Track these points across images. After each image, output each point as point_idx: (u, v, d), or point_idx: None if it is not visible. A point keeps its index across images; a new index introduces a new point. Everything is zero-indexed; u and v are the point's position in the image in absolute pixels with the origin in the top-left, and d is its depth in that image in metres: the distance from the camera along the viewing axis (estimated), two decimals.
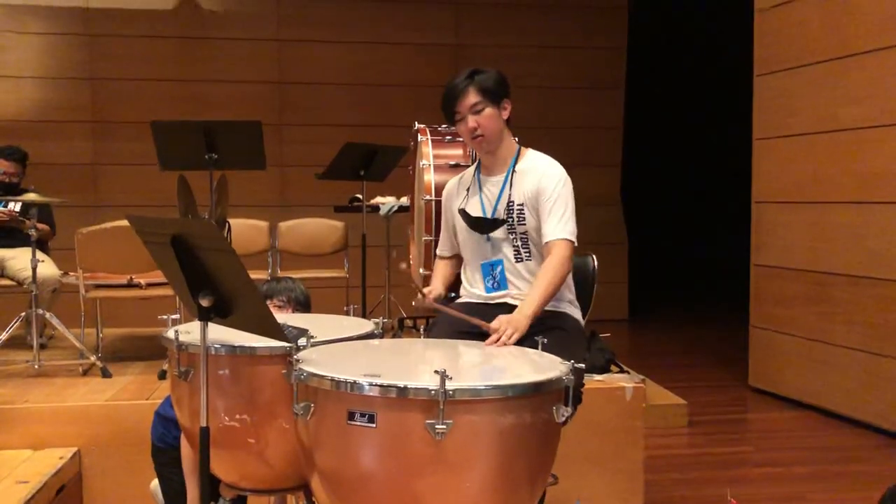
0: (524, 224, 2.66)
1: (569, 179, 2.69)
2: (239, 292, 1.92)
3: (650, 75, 10.18)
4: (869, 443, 4.30)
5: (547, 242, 2.60)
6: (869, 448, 4.23)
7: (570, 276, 2.77)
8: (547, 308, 2.61)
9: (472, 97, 2.63)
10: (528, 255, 2.68)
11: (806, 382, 4.93)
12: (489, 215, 2.70)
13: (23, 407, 3.54)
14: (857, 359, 4.57)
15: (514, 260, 2.69)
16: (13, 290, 4.88)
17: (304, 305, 2.92)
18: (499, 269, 2.70)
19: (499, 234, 2.69)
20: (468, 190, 2.78)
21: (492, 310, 2.63)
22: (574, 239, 2.61)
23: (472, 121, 2.64)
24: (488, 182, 2.75)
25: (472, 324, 2.42)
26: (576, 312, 2.75)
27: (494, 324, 2.37)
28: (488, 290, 2.73)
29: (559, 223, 2.60)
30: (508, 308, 2.62)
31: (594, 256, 2.97)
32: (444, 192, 2.92)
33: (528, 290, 2.60)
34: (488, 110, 2.64)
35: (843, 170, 4.66)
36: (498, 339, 2.30)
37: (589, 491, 3.40)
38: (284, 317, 2.53)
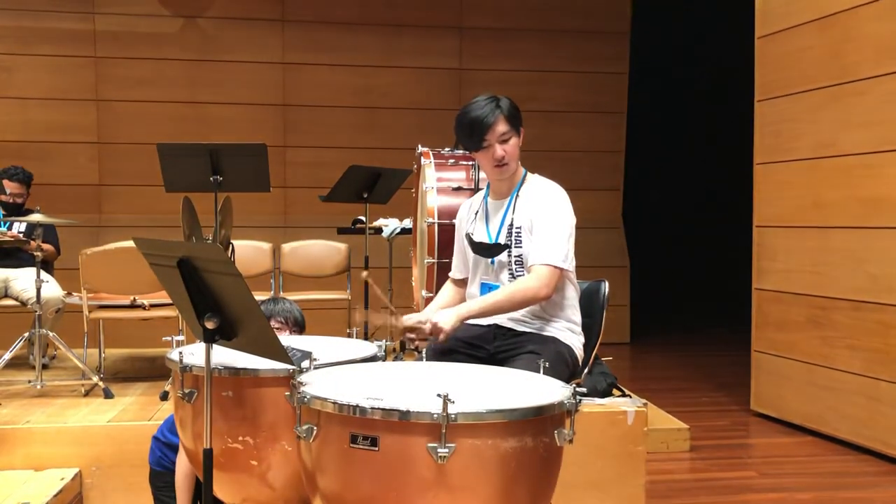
0: (520, 247, 2.69)
1: (567, 204, 2.70)
2: (244, 315, 1.93)
3: (652, 100, 10.25)
4: (871, 469, 4.28)
5: (530, 266, 2.62)
6: (871, 474, 4.21)
7: (576, 300, 2.78)
8: (532, 330, 2.64)
9: (502, 126, 2.64)
10: (520, 277, 2.70)
11: (808, 407, 4.92)
12: (493, 239, 2.73)
13: (24, 427, 3.55)
14: (859, 384, 4.56)
15: (508, 282, 2.71)
16: (17, 309, 4.89)
17: (300, 326, 2.95)
18: None
19: (502, 258, 2.72)
20: (476, 214, 2.83)
21: (483, 329, 2.67)
22: (560, 265, 2.59)
23: (499, 150, 2.66)
24: (494, 206, 2.80)
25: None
26: (570, 337, 2.74)
27: (423, 318, 2.51)
28: None
29: (544, 248, 2.60)
30: (498, 329, 2.70)
31: (606, 282, 2.97)
32: (458, 216, 2.96)
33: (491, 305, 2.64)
34: (514, 139, 2.68)
35: (845, 195, 4.69)
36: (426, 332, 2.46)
37: None
38: (288, 339, 2.55)
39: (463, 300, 2.92)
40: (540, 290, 2.57)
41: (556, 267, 2.59)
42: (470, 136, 2.68)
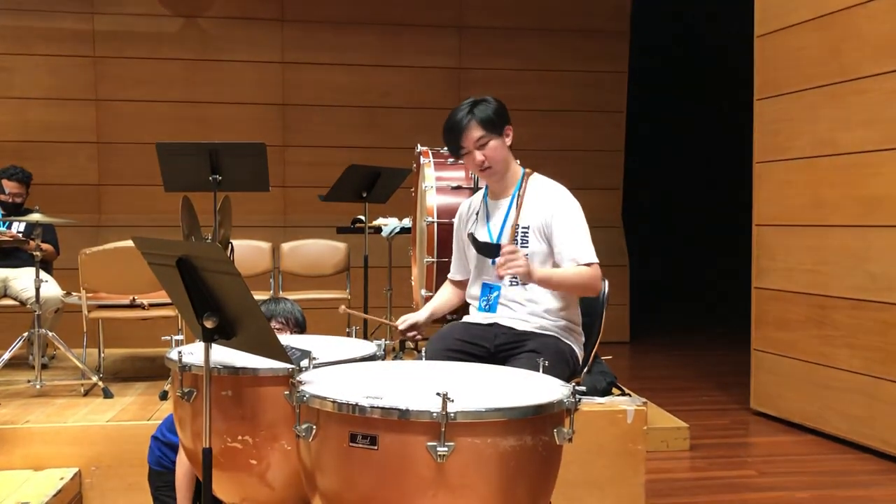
0: (526, 247, 2.68)
1: (577, 202, 2.73)
2: (243, 314, 1.93)
3: (651, 99, 10.24)
4: (871, 468, 4.28)
5: (579, 265, 2.65)
6: (871, 473, 4.21)
7: (576, 299, 2.80)
8: (532, 329, 2.64)
9: (476, 131, 2.64)
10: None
11: (807, 406, 4.92)
12: (495, 240, 2.73)
13: (24, 427, 3.54)
14: (859, 383, 4.56)
15: (508, 284, 2.71)
16: (16, 309, 4.89)
17: (301, 327, 2.95)
18: (495, 294, 2.73)
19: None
20: (477, 214, 2.82)
21: (484, 329, 2.67)
22: (597, 261, 2.68)
23: (479, 155, 2.66)
24: (495, 206, 2.79)
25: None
26: (571, 337, 2.75)
27: (508, 248, 2.47)
28: (480, 309, 2.77)
29: (583, 248, 2.65)
30: (499, 328, 2.68)
31: (606, 281, 2.97)
32: (456, 216, 2.96)
33: (528, 310, 2.65)
34: (493, 142, 2.66)
35: (844, 193, 4.69)
36: (504, 263, 2.44)
37: None
38: (287, 338, 2.55)
39: (461, 301, 2.92)
40: (595, 285, 2.67)
41: (597, 263, 2.66)
42: (449, 144, 2.72)
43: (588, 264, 2.64)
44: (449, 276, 3.01)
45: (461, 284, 2.94)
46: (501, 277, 2.55)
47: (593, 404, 3.57)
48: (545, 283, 2.60)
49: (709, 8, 9.65)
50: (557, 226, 2.65)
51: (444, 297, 2.96)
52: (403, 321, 2.70)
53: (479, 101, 2.69)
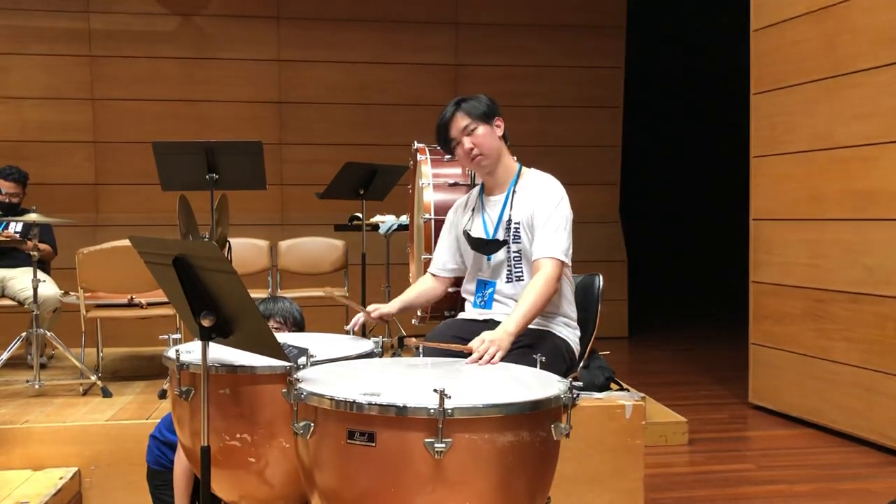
0: (519, 243, 2.68)
1: (565, 198, 2.70)
2: (240, 312, 1.93)
3: (649, 93, 10.25)
4: (870, 460, 4.30)
5: (536, 260, 2.60)
6: (870, 465, 4.22)
7: (571, 294, 2.79)
8: (532, 326, 2.64)
9: (462, 120, 2.68)
10: (519, 274, 2.70)
11: (806, 400, 4.94)
12: (490, 236, 2.73)
13: (23, 427, 3.54)
14: (857, 376, 4.57)
15: (505, 280, 2.71)
16: (14, 309, 4.89)
17: (299, 326, 2.95)
18: (490, 290, 2.72)
19: (499, 255, 2.71)
20: (473, 210, 2.82)
21: (479, 326, 2.67)
22: (565, 258, 2.60)
23: (467, 142, 2.67)
24: (490, 202, 2.78)
25: (452, 350, 2.42)
26: (566, 332, 2.74)
27: (475, 343, 2.34)
28: (475, 306, 2.77)
29: (549, 241, 2.59)
30: (495, 324, 2.65)
31: (601, 276, 2.97)
32: (451, 210, 2.94)
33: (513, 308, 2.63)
34: (481, 129, 2.68)
35: (841, 187, 4.69)
36: (480, 358, 2.27)
37: None
38: (285, 336, 2.55)
39: (438, 296, 2.89)
40: (553, 284, 2.56)
41: (561, 260, 2.59)
42: (439, 140, 2.73)
43: (551, 258, 2.55)
44: (430, 269, 2.93)
45: (443, 281, 2.89)
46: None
47: (591, 400, 3.58)
48: (523, 324, 2.47)
49: (706, 2, 9.64)
50: (535, 218, 2.64)
51: (419, 289, 2.90)
52: (375, 309, 2.69)
53: (466, 97, 2.73)
